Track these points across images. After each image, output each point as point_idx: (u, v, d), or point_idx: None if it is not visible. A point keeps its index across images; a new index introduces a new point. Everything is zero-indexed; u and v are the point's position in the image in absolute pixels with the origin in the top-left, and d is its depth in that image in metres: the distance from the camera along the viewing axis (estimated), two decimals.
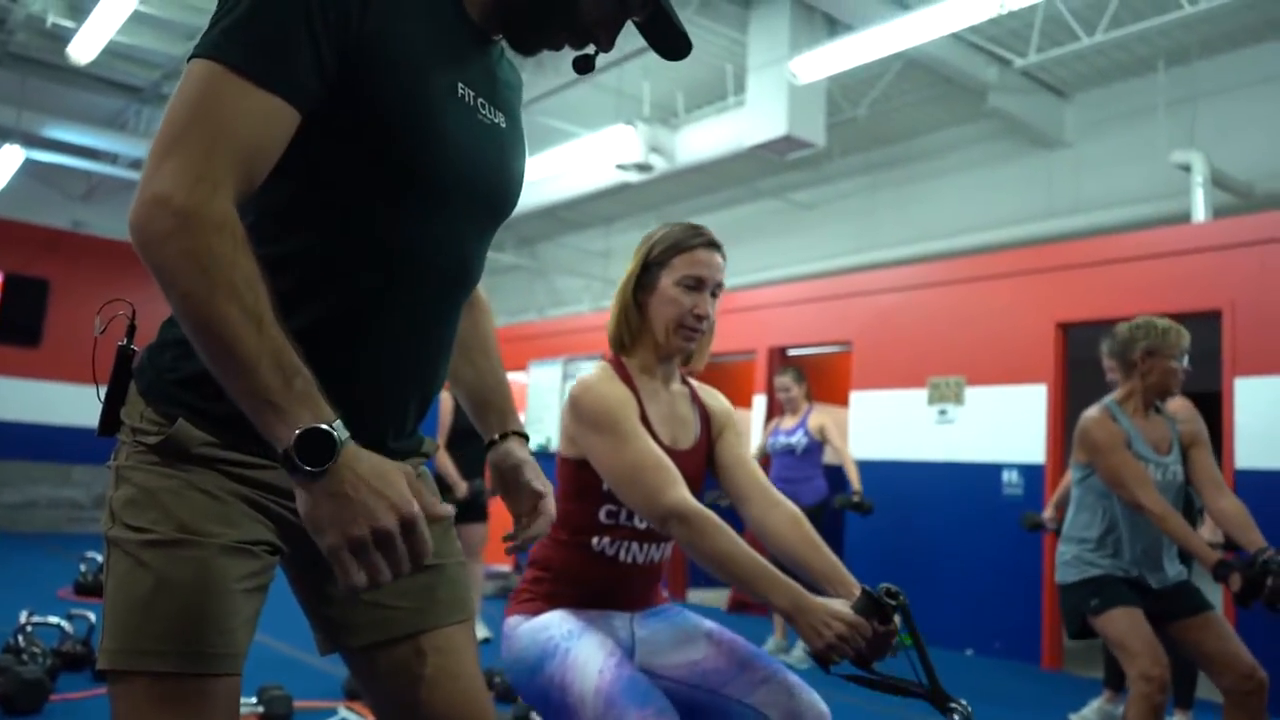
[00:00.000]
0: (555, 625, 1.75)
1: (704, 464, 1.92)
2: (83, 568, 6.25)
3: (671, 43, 1.29)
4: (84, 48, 6.74)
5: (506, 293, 13.11)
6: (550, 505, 1.40)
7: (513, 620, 1.83)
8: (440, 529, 1.32)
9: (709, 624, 1.86)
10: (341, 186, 1.14)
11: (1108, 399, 2.93)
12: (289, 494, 1.10)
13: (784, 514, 1.80)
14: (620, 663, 1.65)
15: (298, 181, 1.12)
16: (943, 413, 6.58)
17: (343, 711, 3.57)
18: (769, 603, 1.59)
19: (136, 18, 6.59)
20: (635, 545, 1.82)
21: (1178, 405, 3.02)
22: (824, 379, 7.95)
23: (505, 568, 9.29)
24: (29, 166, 9.37)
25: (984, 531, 6.22)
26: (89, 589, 5.95)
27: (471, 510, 5.40)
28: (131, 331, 1.23)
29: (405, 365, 1.24)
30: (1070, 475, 4.47)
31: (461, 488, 5.24)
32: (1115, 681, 4.29)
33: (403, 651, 1.25)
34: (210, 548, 1.09)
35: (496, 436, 1.45)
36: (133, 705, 1.06)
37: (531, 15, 1.22)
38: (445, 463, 5.23)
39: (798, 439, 5.59)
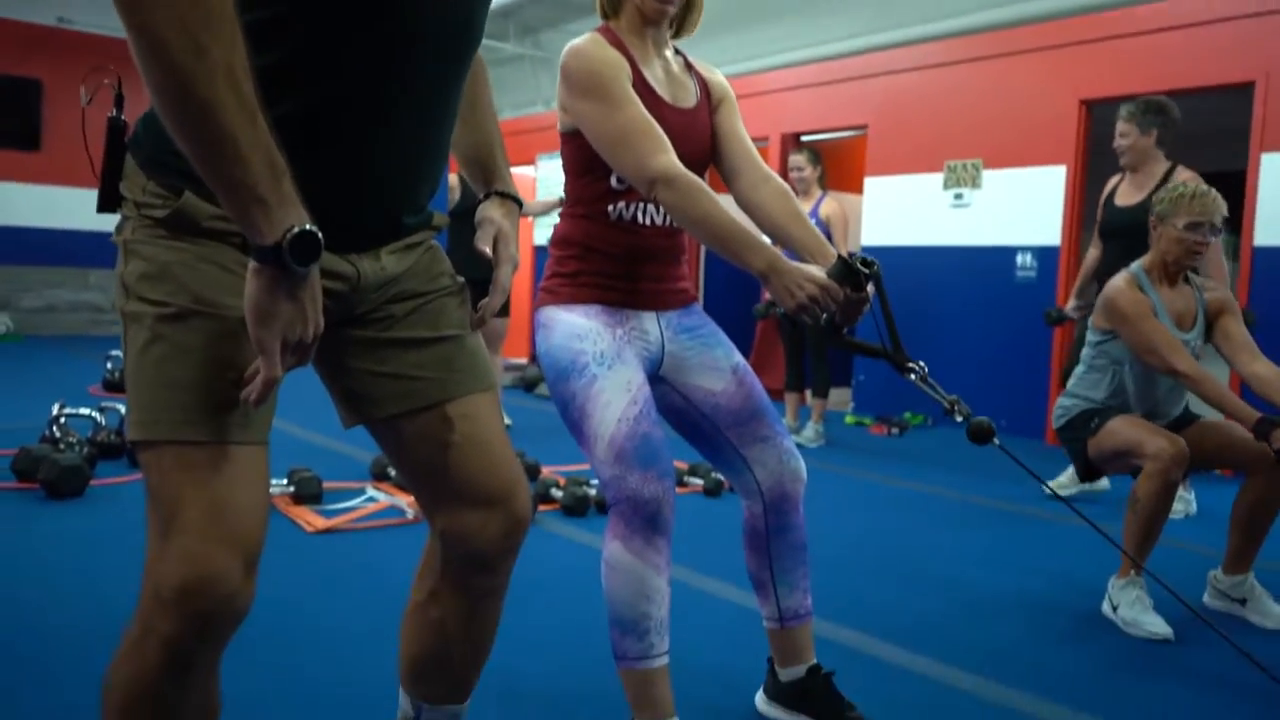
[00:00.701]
0: (590, 338, 1.75)
1: (708, 126, 1.88)
2: (109, 365, 6.40)
3: None
4: None
5: (511, 85, 12.70)
6: (504, 275, 1.35)
7: (546, 311, 1.83)
8: (456, 301, 1.33)
9: (737, 358, 1.89)
10: None
11: (1135, 265, 2.88)
12: None
13: (772, 188, 1.81)
14: (639, 415, 1.69)
15: None
16: (958, 197, 6.48)
17: (370, 491, 3.72)
18: (746, 264, 1.62)
19: None
20: (652, 208, 1.82)
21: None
22: (839, 166, 7.80)
23: (522, 360, 9.47)
24: None
25: (996, 315, 6.26)
26: (116, 385, 6.11)
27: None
28: (119, 102, 1.19)
29: (415, 136, 1.21)
30: (1088, 261, 4.46)
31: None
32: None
33: (427, 420, 1.27)
34: (228, 320, 1.09)
35: (482, 196, 1.41)
36: (163, 474, 1.08)
37: None
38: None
39: None
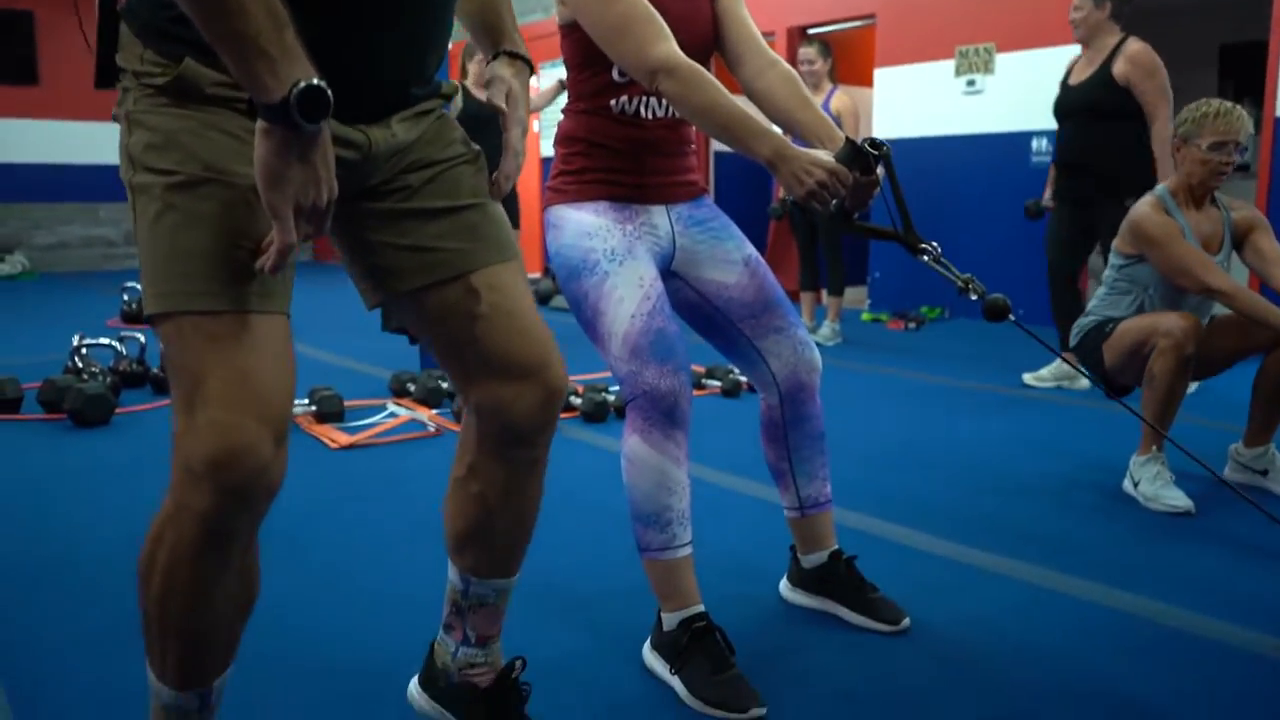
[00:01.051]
0: (600, 235, 1.73)
1: (709, 12, 1.82)
2: (125, 297, 6.42)
3: None
4: None
5: None
6: (514, 138, 1.32)
7: (555, 210, 1.81)
8: (472, 169, 1.30)
9: (749, 250, 1.87)
10: None
11: (1159, 187, 2.80)
12: None
13: (778, 73, 1.77)
14: (653, 310, 1.68)
15: None
16: (971, 83, 6.33)
17: (391, 407, 3.75)
18: (752, 152, 1.59)
19: None
20: (654, 100, 1.78)
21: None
22: (847, 59, 7.61)
23: (534, 274, 9.45)
24: None
25: (1011, 202, 6.16)
26: (135, 317, 6.13)
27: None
28: None
29: (392, 12, 1.17)
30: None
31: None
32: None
33: (453, 292, 1.25)
34: (240, 188, 1.06)
35: (491, 56, 1.37)
36: (184, 346, 1.06)
37: None
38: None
39: None
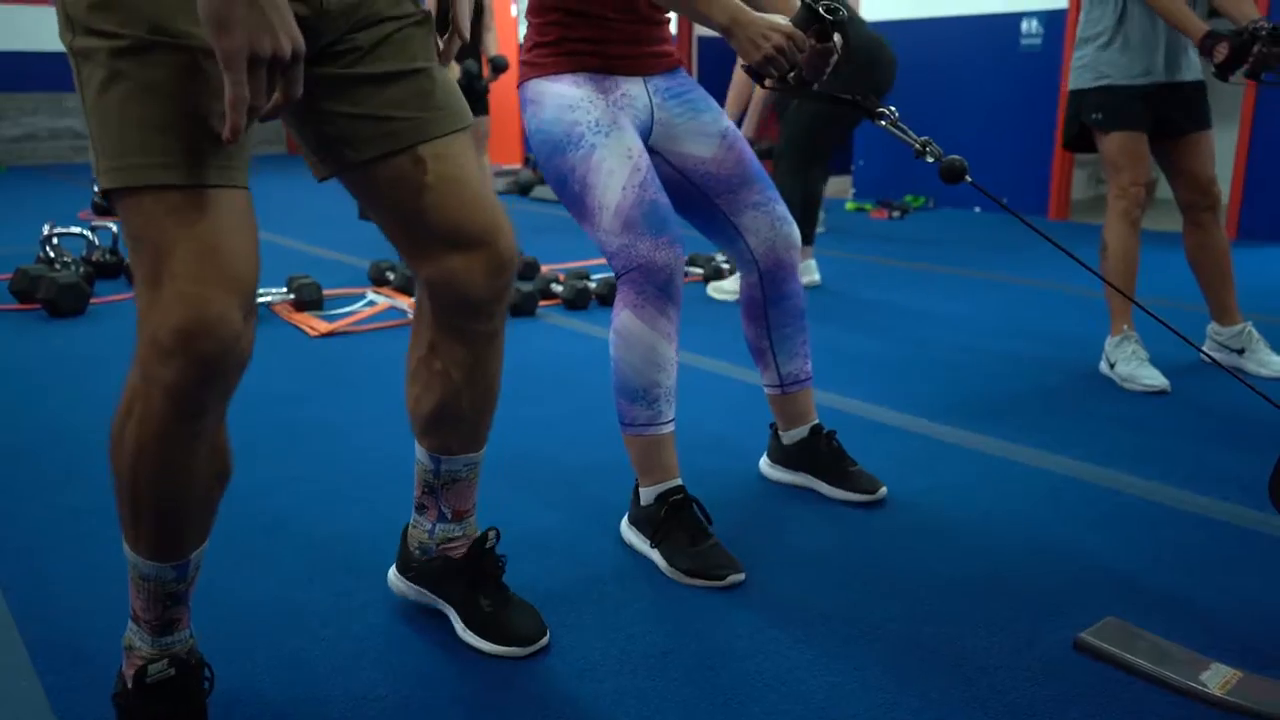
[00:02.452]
0: (582, 108, 1.69)
1: None
2: (95, 188, 6.29)
3: None
4: None
5: None
6: (461, 11, 1.26)
7: (532, 85, 1.76)
8: (424, 30, 1.25)
9: (727, 123, 1.83)
10: None
11: None
12: None
13: None
14: (644, 182, 1.65)
15: None
16: None
17: (370, 295, 3.72)
18: (708, 19, 1.58)
19: None
20: None
21: None
22: None
23: (514, 165, 9.30)
24: None
25: (999, 86, 6.06)
26: (106, 210, 6.02)
27: (469, 100, 5.24)
28: None
29: None
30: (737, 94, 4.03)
31: (454, 70, 5.06)
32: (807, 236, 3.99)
33: (401, 162, 1.22)
34: (193, 50, 1.01)
35: None
36: (146, 220, 1.03)
37: None
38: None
39: None
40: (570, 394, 2.61)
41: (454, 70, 5.03)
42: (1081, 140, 2.79)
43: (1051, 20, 5.74)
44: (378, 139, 1.21)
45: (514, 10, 9.36)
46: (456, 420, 1.38)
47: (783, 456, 2.00)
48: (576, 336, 3.24)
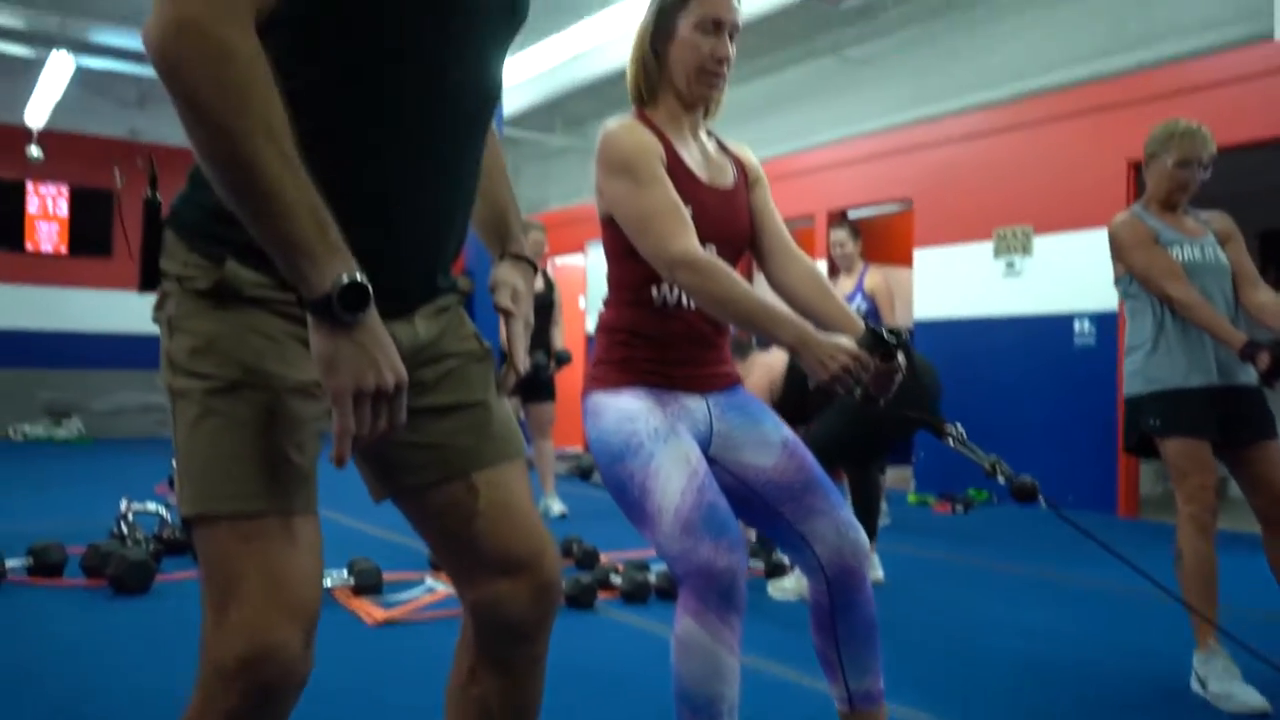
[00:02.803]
0: (641, 418, 1.74)
1: (747, 205, 1.89)
2: (174, 463, 6.52)
3: None
4: None
5: (560, 176, 12.97)
6: (517, 334, 1.36)
7: (594, 398, 1.82)
8: (482, 367, 1.34)
9: (787, 431, 1.86)
10: (357, 6, 1.10)
11: (1134, 205, 2.90)
12: None
13: (802, 268, 1.84)
14: (702, 486, 1.66)
15: (309, 8, 1.08)
16: (1010, 265, 6.43)
17: (429, 581, 3.71)
18: (776, 339, 1.62)
19: None
20: None
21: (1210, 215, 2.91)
22: (886, 240, 7.80)
23: (577, 448, 9.47)
24: (81, 77, 9.42)
25: (1056, 384, 6.14)
26: None
27: (536, 388, 5.47)
28: (154, 182, 1.21)
29: (446, 195, 1.24)
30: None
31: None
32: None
33: (455, 489, 1.26)
34: (276, 390, 1.10)
35: (497, 257, 1.43)
36: (219, 548, 1.09)
37: None
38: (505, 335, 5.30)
39: (857, 304, 5.50)
40: (628, 697, 2.51)
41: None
42: (1144, 446, 2.79)
43: (1103, 321, 5.90)
44: (434, 465, 1.27)
45: (582, 303, 9.90)
46: None
47: None
48: (635, 633, 3.16)
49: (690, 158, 1.83)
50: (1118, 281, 2.89)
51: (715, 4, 1.78)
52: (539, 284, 5.58)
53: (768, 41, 9.31)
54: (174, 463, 1.15)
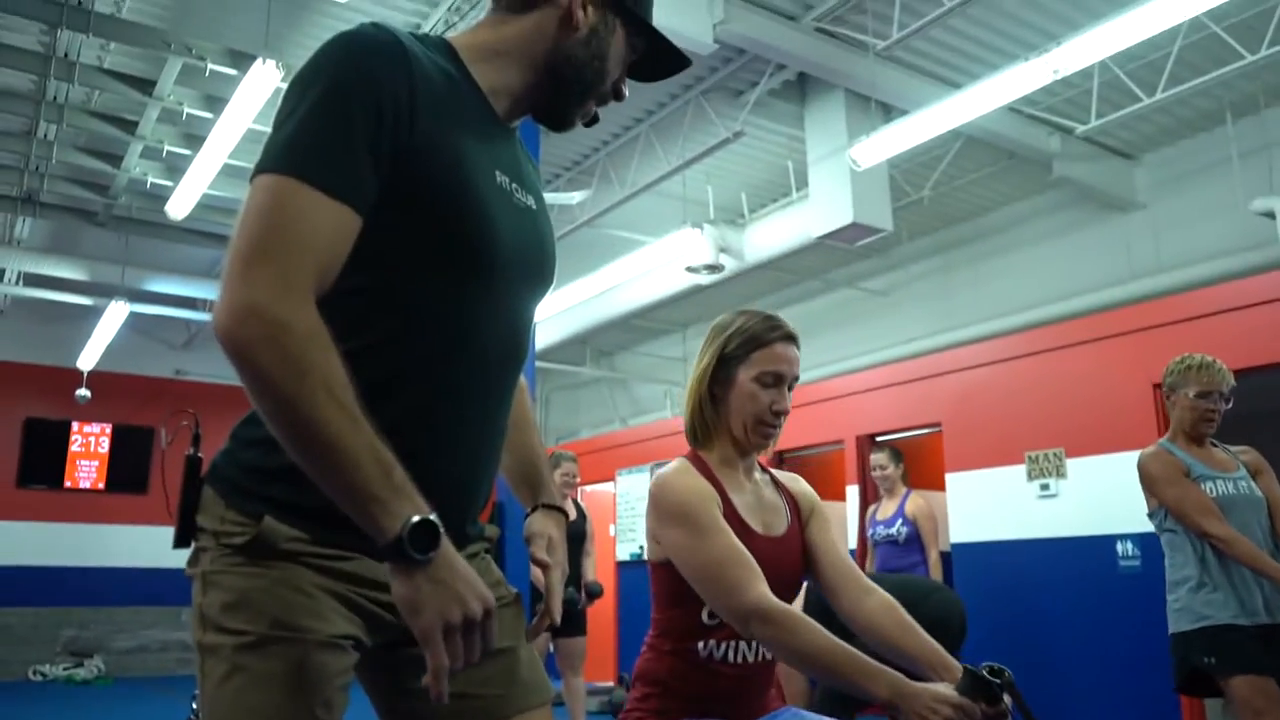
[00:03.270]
0: None
1: (800, 550, 1.84)
2: (195, 705, 6.33)
3: (671, 61, 1.37)
4: (180, 204, 7.17)
5: (589, 405, 13.22)
6: (555, 581, 1.37)
7: None
8: (513, 611, 1.34)
9: None
10: (404, 279, 1.18)
11: (1162, 439, 2.94)
12: (374, 584, 1.14)
13: (877, 601, 1.73)
14: None
15: (363, 280, 1.15)
16: (1045, 487, 6.35)
17: None
18: (867, 692, 1.52)
19: (227, 170, 7.03)
20: (744, 645, 1.73)
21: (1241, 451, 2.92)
22: (919, 464, 7.78)
23: (608, 683, 9.13)
24: (132, 320, 9.89)
25: (1104, 608, 5.92)
26: None
27: (568, 623, 5.34)
28: (197, 440, 1.28)
29: (479, 448, 1.27)
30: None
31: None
32: None
33: None
34: (306, 644, 1.11)
35: (530, 509, 1.45)
36: None
37: (574, 95, 1.31)
38: (538, 573, 5.23)
39: (897, 528, 5.43)
40: None
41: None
42: (1195, 684, 2.67)
43: (1147, 542, 5.75)
44: (458, 714, 1.24)
45: (612, 530, 9.82)
46: None
47: None
48: None
49: (743, 505, 1.80)
50: (1152, 515, 2.87)
51: (777, 359, 1.78)
52: (571, 512, 5.57)
53: (788, 275, 9.73)
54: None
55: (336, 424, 1.01)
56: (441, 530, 1.03)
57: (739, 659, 1.74)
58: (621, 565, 9.69)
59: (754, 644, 1.73)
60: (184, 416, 1.29)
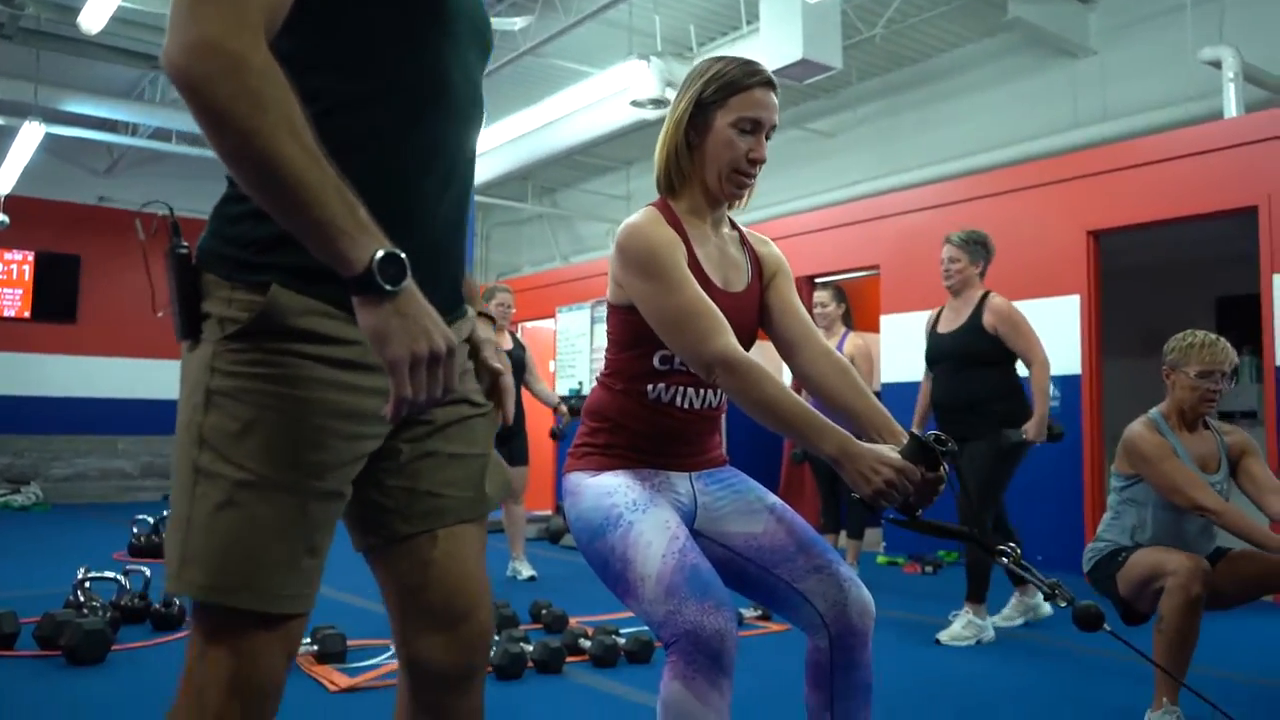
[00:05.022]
0: (619, 492, 1.72)
1: (757, 308, 1.87)
2: (135, 529, 6.40)
3: None
4: (94, 16, 6.72)
5: (530, 242, 13.09)
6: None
7: (574, 477, 1.80)
8: (484, 423, 1.35)
9: (772, 498, 1.84)
10: (356, 23, 1.16)
11: (1153, 410, 2.90)
12: (375, 369, 1.12)
13: (833, 363, 1.79)
14: (684, 548, 1.63)
15: (313, 23, 1.14)
16: None
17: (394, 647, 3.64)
18: (817, 449, 1.58)
19: None
20: (691, 391, 1.78)
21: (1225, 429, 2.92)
22: (853, 307, 7.90)
23: (547, 511, 9.40)
24: (50, 143, 9.43)
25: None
26: (142, 550, 6.09)
27: (509, 450, 5.46)
28: (176, 230, 1.19)
29: (449, 210, 1.27)
30: (920, 397, 4.50)
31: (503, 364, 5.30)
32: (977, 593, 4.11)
33: (421, 540, 1.28)
34: (308, 491, 1.13)
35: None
36: (211, 635, 1.12)
37: None
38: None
39: None
40: None
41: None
42: (1131, 609, 2.79)
43: (1067, 383, 5.97)
44: (429, 515, 1.27)
45: (552, 367, 9.91)
46: None
47: None
48: (605, 698, 3.11)
49: (706, 258, 1.80)
50: (1116, 476, 2.90)
51: (755, 104, 1.76)
52: (508, 343, 5.60)
53: None
54: (171, 528, 1.15)
55: (299, 160, 1.00)
56: (408, 265, 1.04)
57: (686, 404, 1.79)
58: (561, 400, 9.82)
59: (702, 392, 1.79)
60: (158, 209, 1.23)
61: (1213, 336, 2.77)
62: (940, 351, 4.34)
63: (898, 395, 6.79)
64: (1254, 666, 3.53)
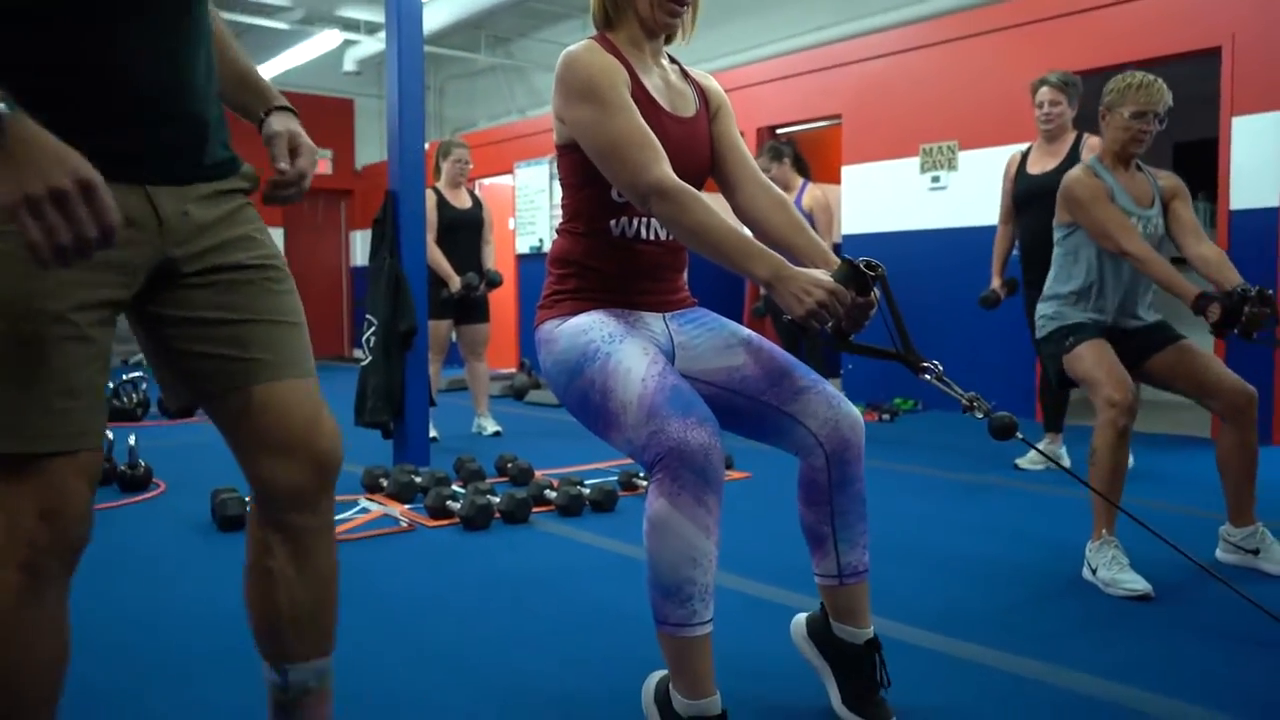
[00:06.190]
0: (595, 328, 1.71)
1: (707, 135, 1.86)
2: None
3: None
4: None
5: (486, 96, 12.71)
6: (305, 164, 1.35)
7: (546, 326, 1.79)
8: (285, 289, 1.36)
9: (746, 332, 1.85)
10: None
11: (1090, 158, 2.98)
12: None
13: (772, 198, 1.81)
14: (663, 371, 1.63)
15: None
16: (935, 179, 6.50)
17: (363, 502, 3.72)
18: (748, 272, 1.59)
19: None
20: (655, 221, 1.78)
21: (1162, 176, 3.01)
22: (815, 157, 7.82)
23: (510, 369, 9.46)
24: None
25: (979, 294, 6.27)
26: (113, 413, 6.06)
27: (469, 308, 5.45)
28: None
29: (165, 53, 1.20)
30: (1001, 242, 4.57)
31: (455, 281, 5.27)
32: (1054, 424, 4.47)
33: (243, 395, 1.30)
34: (39, 331, 1.10)
35: (263, 115, 1.40)
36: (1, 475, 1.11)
37: None
38: (437, 257, 5.25)
39: None
40: (565, 606, 2.57)
41: (454, 281, 5.25)
42: (1065, 380, 2.90)
43: None
44: (216, 375, 1.30)
45: (511, 224, 9.80)
46: (295, 620, 1.37)
47: (822, 641, 1.91)
48: (571, 544, 3.22)
49: (651, 84, 1.79)
50: (1058, 228, 2.96)
51: None
52: (466, 201, 5.51)
53: None
54: None
55: None
56: (14, 110, 0.97)
57: (652, 235, 1.79)
58: (521, 258, 9.76)
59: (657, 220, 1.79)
60: None
61: (1150, 78, 2.83)
62: (1034, 192, 4.27)
63: (858, 246, 6.82)
64: (1184, 498, 3.70)
